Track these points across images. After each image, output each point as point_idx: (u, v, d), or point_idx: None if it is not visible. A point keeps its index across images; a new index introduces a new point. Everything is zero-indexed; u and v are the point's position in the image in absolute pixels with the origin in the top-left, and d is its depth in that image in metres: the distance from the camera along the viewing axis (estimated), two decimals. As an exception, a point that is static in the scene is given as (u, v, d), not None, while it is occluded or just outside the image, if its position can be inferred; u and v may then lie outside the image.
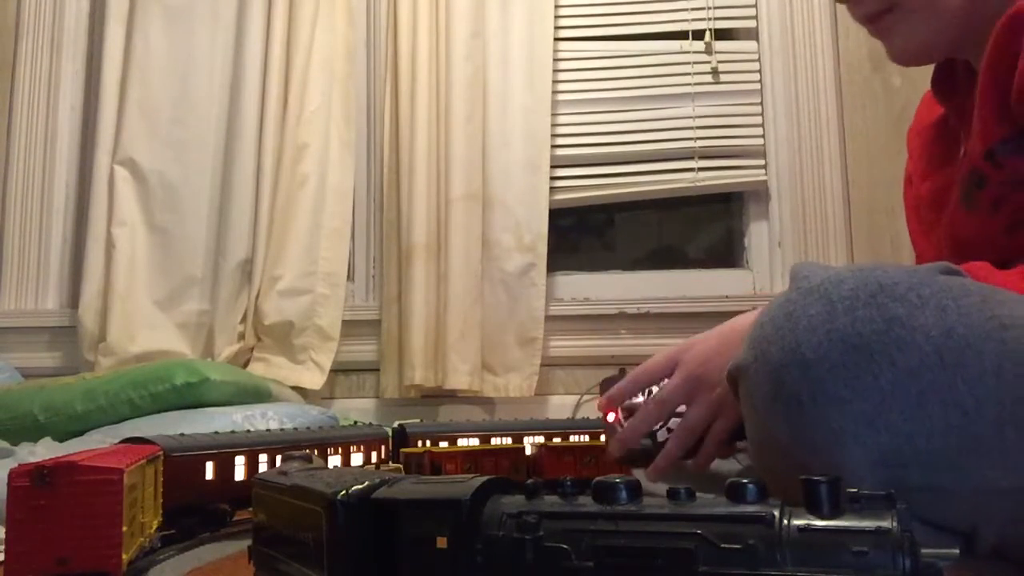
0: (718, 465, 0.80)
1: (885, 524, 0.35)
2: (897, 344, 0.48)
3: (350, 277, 1.98)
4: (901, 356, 0.48)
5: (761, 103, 2.00)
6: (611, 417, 0.79)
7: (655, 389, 0.78)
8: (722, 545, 0.37)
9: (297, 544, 0.55)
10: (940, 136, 0.86)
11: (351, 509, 0.49)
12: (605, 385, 0.80)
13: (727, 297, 1.91)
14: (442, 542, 0.46)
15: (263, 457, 0.97)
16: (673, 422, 0.76)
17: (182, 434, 0.95)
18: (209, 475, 0.90)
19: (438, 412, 1.89)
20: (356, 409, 1.85)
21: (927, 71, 0.85)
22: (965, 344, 0.48)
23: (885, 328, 0.49)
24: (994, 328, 0.49)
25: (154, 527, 0.79)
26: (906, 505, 0.36)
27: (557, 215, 1.99)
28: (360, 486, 0.50)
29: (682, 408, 0.76)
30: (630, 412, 0.78)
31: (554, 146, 1.96)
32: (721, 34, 2.03)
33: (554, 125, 1.96)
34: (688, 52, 2.02)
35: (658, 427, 0.77)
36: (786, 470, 0.52)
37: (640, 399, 0.77)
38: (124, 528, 0.62)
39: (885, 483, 0.47)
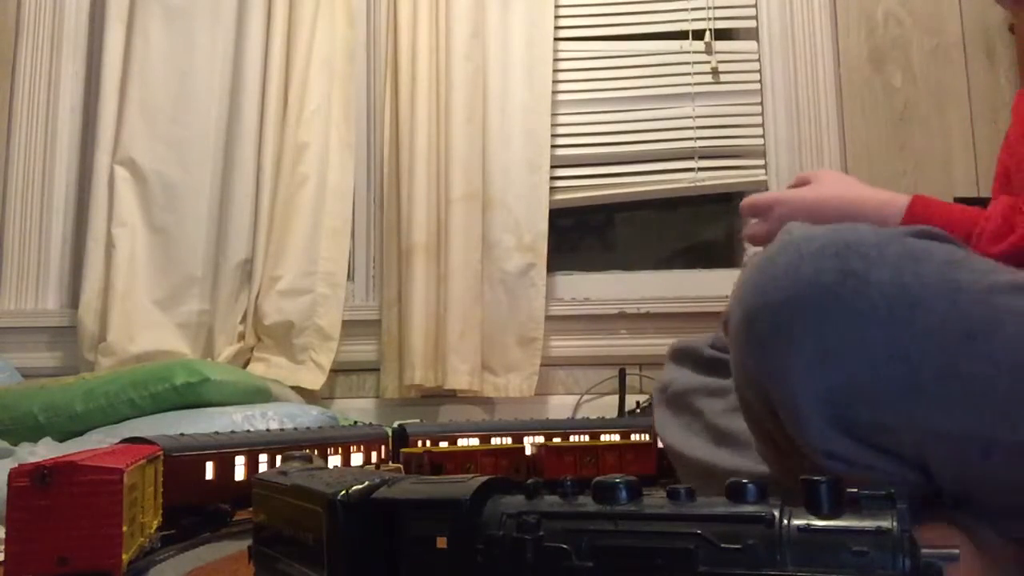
0: (724, 460, 0.80)
1: (885, 524, 0.35)
2: (850, 295, 0.53)
3: (350, 277, 1.98)
4: (853, 305, 0.53)
5: (761, 103, 2.00)
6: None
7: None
8: (722, 545, 0.38)
9: (297, 544, 0.55)
10: None
11: (351, 509, 0.49)
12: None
13: (727, 297, 1.91)
14: (442, 542, 0.46)
15: (263, 457, 0.97)
16: None
17: (182, 434, 0.95)
18: (209, 475, 0.90)
19: (438, 412, 1.89)
20: (356, 409, 1.85)
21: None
22: (916, 302, 0.53)
23: (842, 280, 0.54)
24: (948, 290, 0.53)
25: (154, 527, 0.79)
26: (907, 506, 0.36)
27: (557, 215, 1.99)
28: (360, 486, 0.50)
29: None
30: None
31: (554, 146, 1.96)
32: (721, 34, 2.03)
33: (554, 125, 1.96)
34: (688, 52, 2.02)
35: None
36: (755, 402, 0.59)
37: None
38: (124, 528, 0.62)
39: (835, 418, 0.53)
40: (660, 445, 1.25)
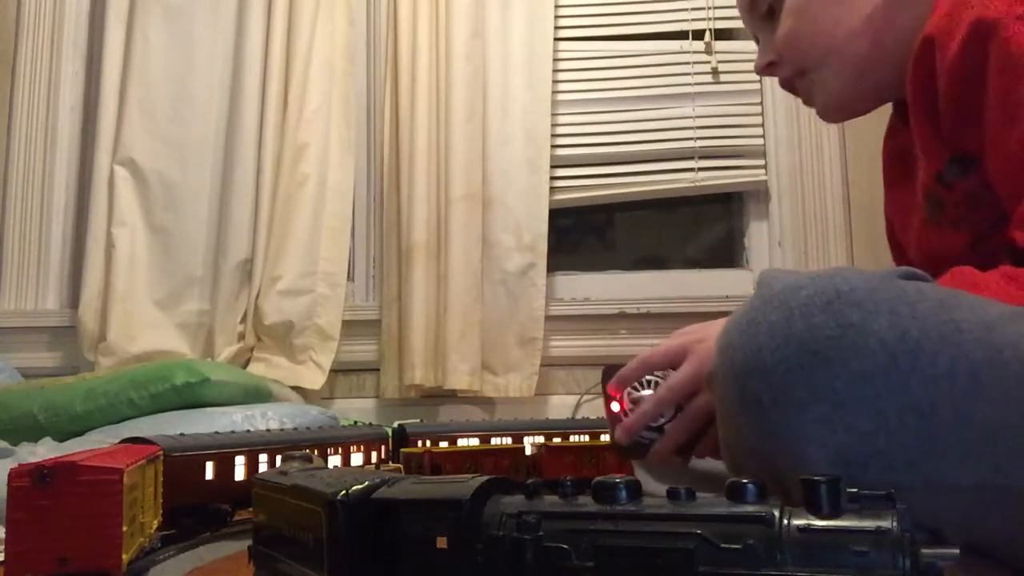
0: (713, 464, 0.79)
1: (885, 524, 0.35)
2: (852, 349, 0.50)
3: (350, 277, 1.98)
4: (856, 360, 0.50)
5: (761, 103, 2.00)
6: (615, 406, 0.78)
7: (658, 378, 0.76)
8: (722, 545, 0.37)
9: (297, 544, 0.55)
10: (899, 156, 0.88)
11: (351, 509, 0.49)
12: (608, 372, 0.79)
13: (727, 297, 1.91)
14: (442, 542, 0.46)
15: (263, 457, 0.97)
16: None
17: (182, 434, 0.95)
18: (209, 475, 0.90)
19: (438, 412, 1.89)
20: (356, 409, 1.84)
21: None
22: (919, 348, 0.50)
23: (840, 334, 0.50)
24: (950, 332, 0.50)
25: (154, 527, 0.79)
26: (906, 506, 0.36)
27: (557, 215, 1.99)
28: (360, 486, 0.50)
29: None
30: (635, 401, 0.77)
31: (554, 146, 1.96)
32: (721, 34, 2.03)
33: (554, 125, 1.96)
34: (688, 52, 2.02)
35: (663, 420, 0.75)
36: (756, 471, 0.55)
37: (646, 391, 0.76)
38: (124, 528, 0.62)
39: (846, 480, 0.49)
40: None
